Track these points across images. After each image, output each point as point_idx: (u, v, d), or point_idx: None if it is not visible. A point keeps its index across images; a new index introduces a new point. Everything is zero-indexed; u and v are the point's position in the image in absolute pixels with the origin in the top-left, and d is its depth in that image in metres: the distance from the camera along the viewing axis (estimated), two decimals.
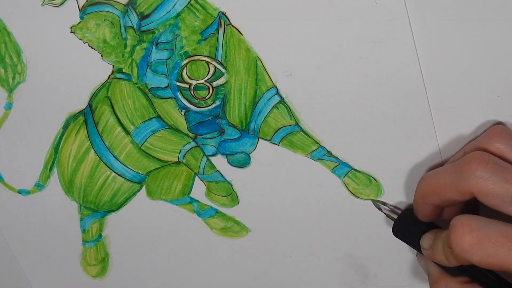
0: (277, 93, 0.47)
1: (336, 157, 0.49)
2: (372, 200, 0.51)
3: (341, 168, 0.50)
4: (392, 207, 0.50)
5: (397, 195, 0.50)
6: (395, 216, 0.49)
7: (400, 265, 0.54)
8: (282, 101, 0.47)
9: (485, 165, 0.38)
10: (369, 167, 0.50)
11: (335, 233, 0.53)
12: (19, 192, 0.53)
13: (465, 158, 0.39)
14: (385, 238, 0.52)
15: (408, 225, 0.47)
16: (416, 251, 0.49)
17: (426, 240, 0.45)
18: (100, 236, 0.54)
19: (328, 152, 0.49)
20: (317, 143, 0.49)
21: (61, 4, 0.45)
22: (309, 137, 0.49)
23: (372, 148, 0.49)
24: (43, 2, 0.45)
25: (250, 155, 0.50)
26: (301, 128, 0.48)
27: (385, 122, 0.48)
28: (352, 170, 0.50)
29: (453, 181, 0.39)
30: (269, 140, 0.49)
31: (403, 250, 0.53)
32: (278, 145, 0.49)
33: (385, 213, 0.50)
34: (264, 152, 0.50)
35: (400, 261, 0.54)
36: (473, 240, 0.36)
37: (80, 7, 0.45)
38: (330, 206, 0.52)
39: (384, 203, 0.50)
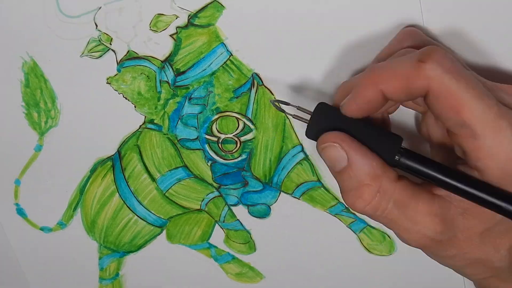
0: (302, 150, 0.49)
1: (353, 213, 0.51)
2: (272, 100, 0.47)
3: (357, 224, 0.52)
4: (295, 107, 0.43)
5: (409, 253, 0.52)
6: (305, 116, 0.41)
7: None
8: (306, 158, 0.49)
9: (450, 57, 0.36)
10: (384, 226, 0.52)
11: (350, 283, 0.55)
12: (41, 229, 0.54)
13: (427, 49, 0.36)
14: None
15: (326, 123, 0.40)
16: None
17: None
18: (117, 274, 0.56)
19: (346, 208, 0.51)
20: (336, 199, 0.51)
21: (100, 56, 0.47)
22: (329, 193, 0.51)
23: None
24: (82, 53, 0.46)
25: (271, 206, 0.52)
26: (322, 184, 0.50)
27: None
28: (368, 227, 0.52)
29: (415, 67, 0.35)
30: (291, 194, 0.51)
31: None
32: (299, 199, 0.51)
33: (289, 114, 0.43)
34: (285, 205, 0.51)
35: None
36: (450, 66, 0.34)
37: (118, 61, 0.47)
38: (344, 260, 0.53)
39: (286, 103, 0.43)
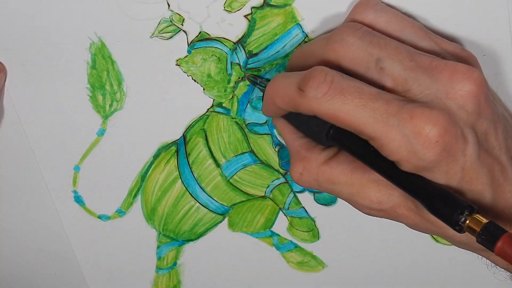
0: None
1: None
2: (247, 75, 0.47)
3: None
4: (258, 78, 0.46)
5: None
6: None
7: None
8: None
9: (354, 31, 0.38)
10: None
11: (415, 275, 0.54)
12: (99, 217, 0.53)
13: (337, 28, 0.39)
14: (463, 276, 0.53)
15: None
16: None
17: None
18: (175, 264, 0.55)
19: None
20: None
21: (171, 37, 0.46)
22: None
23: None
24: (152, 34, 0.45)
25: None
26: None
27: None
28: None
29: (321, 47, 0.38)
30: None
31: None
32: None
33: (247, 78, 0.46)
34: None
35: None
36: (327, 90, 0.36)
37: (189, 42, 0.46)
38: (411, 247, 0.52)
39: (260, 78, 0.46)
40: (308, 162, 0.41)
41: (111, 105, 0.48)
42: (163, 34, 0.45)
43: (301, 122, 0.41)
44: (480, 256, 0.41)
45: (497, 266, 0.41)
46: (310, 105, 0.36)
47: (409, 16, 0.41)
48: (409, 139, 0.34)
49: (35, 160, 0.50)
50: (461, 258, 0.52)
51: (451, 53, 0.39)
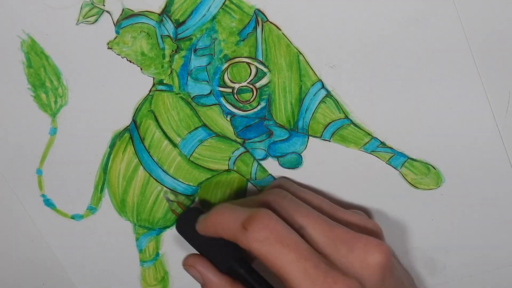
0: (323, 87, 0.46)
1: (391, 148, 0.48)
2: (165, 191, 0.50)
3: (397, 158, 0.48)
4: (177, 201, 0.50)
5: (458, 182, 0.48)
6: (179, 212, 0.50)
7: (469, 253, 0.51)
8: (328, 94, 0.46)
9: (281, 199, 0.43)
10: (426, 155, 0.48)
11: (398, 227, 0.51)
12: (72, 217, 0.52)
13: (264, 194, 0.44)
14: (451, 228, 0.50)
15: (192, 223, 0.45)
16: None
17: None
18: (157, 254, 0.53)
19: (382, 143, 0.47)
20: (369, 134, 0.47)
21: (96, 21, 0.45)
22: (361, 129, 0.47)
23: (427, 134, 0.47)
24: (78, 21, 0.44)
25: (302, 154, 0.48)
26: (351, 121, 0.47)
27: (439, 107, 0.46)
28: (409, 160, 0.48)
29: (243, 214, 0.41)
30: (320, 137, 0.48)
31: (471, 238, 0.51)
32: (329, 141, 0.48)
33: (171, 208, 0.50)
34: (316, 150, 0.48)
35: (468, 249, 0.51)
36: (269, 235, 0.39)
37: (115, 22, 0.44)
38: (389, 200, 0.50)
39: (172, 195, 0.50)
40: None
41: (55, 102, 0.47)
42: (88, 19, 0.44)
43: (206, 242, 0.45)
44: None
45: None
46: (249, 244, 0.39)
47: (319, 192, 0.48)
48: None
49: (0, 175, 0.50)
50: (444, 200, 0.49)
51: (357, 223, 0.45)
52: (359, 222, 0.45)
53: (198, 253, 0.46)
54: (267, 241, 0.39)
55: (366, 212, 0.50)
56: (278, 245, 0.39)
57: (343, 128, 0.47)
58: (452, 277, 0.52)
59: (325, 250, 0.40)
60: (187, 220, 0.46)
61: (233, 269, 0.44)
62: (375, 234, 0.45)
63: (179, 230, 0.47)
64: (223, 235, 0.42)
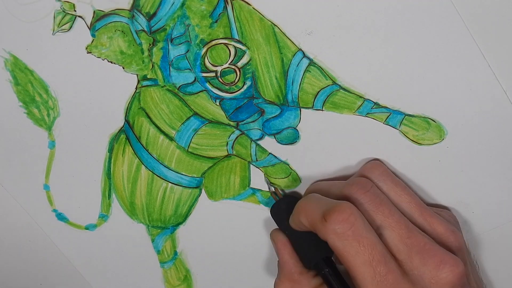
0: (304, 55, 0.45)
1: (386, 107, 0.46)
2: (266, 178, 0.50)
3: (394, 117, 0.47)
4: (274, 188, 0.50)
5: (462, 131, 0.47)
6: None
7: (488, 204, 0.50)
8: (311, 63, 0.45)
9: (364, 191, 0.42)
10: (423, 109, 0.46)
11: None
12: (86, 228, 0.52)
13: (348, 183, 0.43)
14: (464, 180, 0.49)
15: (284, 211, 0.47)
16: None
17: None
18: (175, 253, 0.53)
19: (375, 103, 0.46)
20: (361, 97, 0.46)
21: (71, 27, 0.45)
22: (351, 93, 0.46)
23: (420, 87, 0.45)
24: (53, 30, 0.45)
25: (297, 128, 0.47)
26: (339, 86, 0.46)
27: (426, 57, 0.44)
28: (407, 116, 0.46)
29: (319, 219, 0.41)
30: (312, 108, 0.47)
31: (487, 186, 0.49)
32: (322, 110, 0.47)
33: (271, 192, 0.50)
34: (311, 122, 0.47)
35: (487, 200, 0.49)
36: (346, 230, 0.39)
37: (89, 25, 0.45)
38: (394, 161, 0.48)
39: (271, 184, 0.50)
40: (299, 285, 0.44)
41: (48, 115, 0.47)
42: (63, 27, 0.44)
43: (299, 238, 0.45)
44: None
45: None
46: (327, 235, 0.39)
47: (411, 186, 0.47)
48: None
49: (9, 196, 0.50)
50: (450, 152, 0.48)
51: (440, 234, 0.43)
52: (442, 233, 0.43)
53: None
54: (344, 236, 0.39)
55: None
56: (355, 242, 0.38)
57: (333, 95, 0.46)
58: (477, 231, 0.50)
59: (399, 256, 0.40)
60: (283, 207, 0.47)
61: (319, 267, 0.44)
62: (456, 249, 0.43)
63: (274, 215, 0.48)
64: (304, 223, 0.42)
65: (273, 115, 0.47)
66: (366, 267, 0.38)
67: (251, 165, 0.49)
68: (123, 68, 0.45)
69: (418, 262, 0.39)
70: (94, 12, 0.44)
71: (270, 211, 0.49)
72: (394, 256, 0.40)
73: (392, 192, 0.44)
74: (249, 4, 0.43)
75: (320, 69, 0.45)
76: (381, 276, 0.38)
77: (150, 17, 0.44)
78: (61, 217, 0.51)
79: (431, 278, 0.39)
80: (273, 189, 0.49)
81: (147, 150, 0.48)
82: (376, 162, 0.46)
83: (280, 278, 0.45)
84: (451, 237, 0.43)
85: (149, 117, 0.47)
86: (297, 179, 0.49)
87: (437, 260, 0.39)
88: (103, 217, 0.51)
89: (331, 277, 0.43)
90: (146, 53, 0.45)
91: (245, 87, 0.46)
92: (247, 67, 0.45)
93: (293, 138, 0.47)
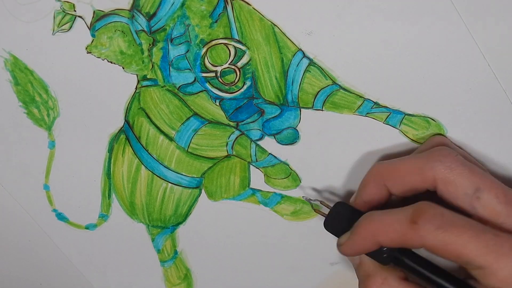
0: (304, 55, 0.45)
1: (385, 106, 0.46)
2: (304, 197, 0.49)
3: (394, 116, 0.46)
4: (319, 201, 0.48)
5: (461, 129, 0.46)
6: (325, 211, 0.46)
7: None
8: (311, 63, 0.45)
9: (454, 156, 0.40)
10: (423, 108, 0.46)
11: None
12: (87, 227, 0.52)
13: (433, 149, 0.41)
14: None
15: (341, 218, 0.44)
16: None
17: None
18: (176, 252, 0.53)
19: (375, 103, 0.46)
20: (360, 97, 0.46)
21: (70, 28, 0.45)
22: (351, 93, 0.46)
23: (419, 87, 0.45)
24: (53, 30, 0.44)
25: (297, 128, 0.47)
26: (339, 86, 0.45)
27: (426, 56, 0.44)
28: (406, 116, 0.46)
29: (418, 166, 0.40)
30: (311, 108, 0.46)
31: None
32: (322, 110, 0.46)
33: (314, 209, 0.48)
34: (310, 122, 0.47)
35: None
36: (440, 223, 0.37)
37: (89, 25, 0.44)
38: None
39: (313, 200, 0.49)
40: (392, 276, 0.41)
41: (48, 115, 0.47)
42: (63, 27, 0.44)
43: None
44: None
45: None
46: (423, 238, 0.37)
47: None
48: None
49: (9, 196, 0.50)
50: None
51: None
52: None
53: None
54: (441, 229, 0.37)
55: None
56: (453, 229, 0.37)
57: (333, 95, 0.46)
58: None
59: (499, 218, 0.39)
60: (336, 216, 0.45)
61: (398, 259, 0.41)
62: None
63: (330, 229, 0.45)
64: (386, 242, 0.39)
65: (273, 115, 0.46)
66: (473, 244, 0.36)
67: (251, 166, 0.48)
68: (123, 68, 0.45)
69: None
70: (94, 12, 0.44)
71: (325, 226, 0.45)
72: (495, 217, 0.39)
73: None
74: (249, 4, 0.43)
75: (320, 69, 0.45)
76: (491, 243, 0.36)
77: (150, 17, 0.44)
78: (61, 216, 0.51)
79: None
80: (318, 203, 0.48)
81: (147, 150, 0.48)
82: (440, 136, 0.46)
83: (366, 275, 0.43)
84: None
85: (149, 117, 0.47)
86: (297, 179, 0.49)
87: None
88: (103, 216, 0.50)
89: (415, 264, 0.41)
90: (146, 53, 0.45)
91: (245, 87, 0.45)
92: (247, 67, 0.45)
93: (293, 138, 0.47)
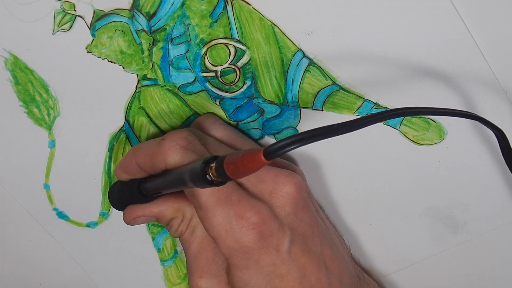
0: (304, 55, 0.44)
1: (385, 107, 0.46)
2: None
3: None
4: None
5: (461, 130, 0.46)
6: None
7: (488, 205, 0.49)
8: (311, 63, 0.45)
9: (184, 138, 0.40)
10: None
11: (409, 188, 0.49)
12: (87, 225, 0.52)
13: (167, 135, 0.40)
14: (464, 181, 0.48)
15: (121, 194, 0.45)
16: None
17: None
18: (176, 252, 0.53)
19: (375, 104, 0.46)
20: (360, 97, 0.46)
21: (71, 27, 0.44)
22: (351, 93, 0.46)
23: (419, 88, 0.45)
24: (53, 30, 0.44)
25: (297, 128, 0.47)
26: (339, 86, 0.45)
27: (426, 57, 0.44)
28: (406, 117, 0.46)
29: (152, 152, 0.40)
30: (311, 108, 0.46)
31: (487, 187, 0.48)
32: (322, 110, 0.46)
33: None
34: (310, 122, 0.47)
35: (486, 201, 0.49)
36: (185, 144, 0.38)
37: (89, 25, 0.44)
38: (394, 161, 0.48)
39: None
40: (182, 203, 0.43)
41: (49, 115, 0.47)
42: (63, 27, 0.44)
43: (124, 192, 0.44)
44: None
45: None
46: (165, 153, 0.38)
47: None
48: (230, 220, 0.37)
49: (9, 195, 0.50)
50: (450, 152, 0.47)
51: (279, 164, 0.43)
52: (278, 161, 0.43)
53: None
54: (182, 149, 0.38)
55: None
56: (193, 154, 0.37)
57: (333, 95, 0.45)
58: (476, 233, 0.50)
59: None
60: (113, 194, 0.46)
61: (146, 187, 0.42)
62: (292, 169, 0.43)
63: (114, 203, 0.46)
64: (140, 161, 0.40)
65: (273, 115, 0.46)
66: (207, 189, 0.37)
67: None
68: (123, 67, 0.45)
69: (254, 180, 0.39)
70: (94, 11, 0.44)
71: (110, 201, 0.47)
72: None
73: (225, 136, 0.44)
74: (249, 4, 0.43)
75: (320, 69, 0.44)
76: (222, 197, 0.37)
77: (150, 16, 0.43)
78: (62, 215, 0.51)
79: (271, 193, 0.39)
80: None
81: None
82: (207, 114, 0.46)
83: (168, 225, 0.44)
84: (290, 166, 0.44)
85: (149, 117, 0.47)
86: None
87: (271, 175, 0.39)
88: (104, 215, 0.50)
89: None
90: (146, 53, 0.45)
91: (245, 86, 0.45)
92: (247, 67, 0.45)
93: None
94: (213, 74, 0.45)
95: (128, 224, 0.43)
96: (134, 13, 0.43)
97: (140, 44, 0.44)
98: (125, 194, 0.43)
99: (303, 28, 0.43)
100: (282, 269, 0.38)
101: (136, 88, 0.46)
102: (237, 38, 0.44)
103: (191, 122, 0.47)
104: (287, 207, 0.39)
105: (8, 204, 0.50)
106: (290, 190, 0.39)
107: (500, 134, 0.41)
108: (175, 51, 0.44)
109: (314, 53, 0.44)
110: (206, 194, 0.37)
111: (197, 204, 0.38)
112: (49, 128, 0.47)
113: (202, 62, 0.45)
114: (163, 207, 0.42)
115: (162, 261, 0.52)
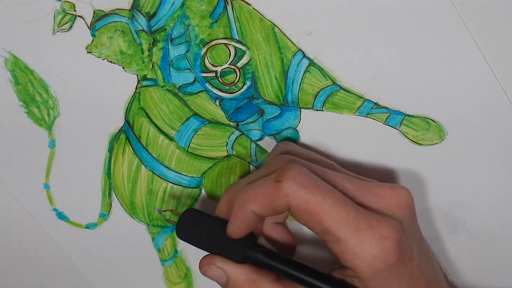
0: (304, 56, 0.44)
1: (386, 107, 0.45)
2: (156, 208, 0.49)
3: (394, 117, 0.46)
4: (169, 210, 0.47)
5: (461, 131, 0.46)
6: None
7: (488, 205, 0.49)
8: (311, 63, 0.44)
9: (302, 175, 0.38)
10: (423, 109, 0.46)
11: (409, 188, 0.48)
12: (87, 227, 0.51)
13: (282, 168, 0.38)
14: (464, 180, 0.48)
15: (192, 225, 0.43)
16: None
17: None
18: (176, 251, 0.52)
19: (375, 104, 0.45)
20: (361, 97, 0.45)
21: (71, 27, 0.44)
22: (351, 93, 0.45)
23: (419, 88, 0.45)
24: (53, 30, 0.44)
25: (297, 128, 0.47)
26: (339, 86, 0.45)
27: (426, 57, 0.44)
28: (407, 117, 0.46)
29: (269, 192, 0.38)
30: (311, 108, 0.46)
31: (487, 188, 0.48)
32: (322, 110, 0.46)
33: (165, 219, 0.49)
34: (310, 122, 0.46)
35: (486, 201, 0.49)
36: (305, 182, 0.37)
37: (89, 25, 0.44)
38: (394, 161, 0.47)
39: (163, 210, 0.49)
40: (264, 281, 0.41)
41: (48, 115, 0.47)
42: (63, 27, 0.44)
43: (213, 241, 0.42)
44: None
45: None
46: (287, 196, 0.36)
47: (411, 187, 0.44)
48: (375, 243, 0.36)
49: (10, 195, 0.50)
50: (450, 152, 0.47)
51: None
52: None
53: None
54: (306, 189, 0.36)
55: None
56: (318, 191, 0.36)
57: (333, 95, 0.45)
58: (476, 232, 0.50)
59: (355, 200, 0.38)
60: (187, 223, 0.43)
61: (250, 256, 0.41)
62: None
63: (181, 236, 0.43)
64: (256, 208, 0.38)
65: (273, 116, 0.46)
66: (334, 212, 0.36)
67: (251, 166, 0.48)
68: (123, 68, 0.45)
69: (374, 198, 0.39)
70: (94, 12, 0.43)
71: (177, 234, 0.44)
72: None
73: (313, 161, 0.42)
74: (249, 4, 0.43)
75: (320, 69, 0.44)
76: (351, 215, 0.36)
77: (150, 17, 0.43)
78: (61, 216, 0.50)
79: (395, 206, 0.39)
80: (168, 213, 0.49)
81: (147, 150, 0.47)
82: (285, 142, 0.45)
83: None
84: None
85: (149, 117, 0.46)
86: None
87: (389, 190, 0.39)
88: (104, 216, 0.50)
89: (268, 258, 0.40)
90: (146, 53, 0.44)
91: (245, 87, 0.45)
92: (247, 67, 0.44)
93: (293, 139, 0.47)
94: (213, 74, 0.44)
95: (200, 270, 0.42)
96: (134, 13, 0.43)
97: (140, 44, 0.44)
98: (213, 235, 0.42)
99: (303, 28, 0.43)
100: (415, 277, 0.39)
101: (136, 88, 0.45)
102: (237, 38, 0.43)
103: (190, 123, 0.46)
104: (408, 217, 0.39)
105: (8, 203, 0.50)
106: (410, 201, 0.39)
107: None
108: (175, 52, 0.44)
109: (314, 53, 0.44)
110: (341, 226, 0.37)
111: (334, 239, 0.37)
112: (49, 128, 0.47)
113: (202, 63, 0.44)
114: (243, 277, 0.41)
115: (162, 261, 0.52)
